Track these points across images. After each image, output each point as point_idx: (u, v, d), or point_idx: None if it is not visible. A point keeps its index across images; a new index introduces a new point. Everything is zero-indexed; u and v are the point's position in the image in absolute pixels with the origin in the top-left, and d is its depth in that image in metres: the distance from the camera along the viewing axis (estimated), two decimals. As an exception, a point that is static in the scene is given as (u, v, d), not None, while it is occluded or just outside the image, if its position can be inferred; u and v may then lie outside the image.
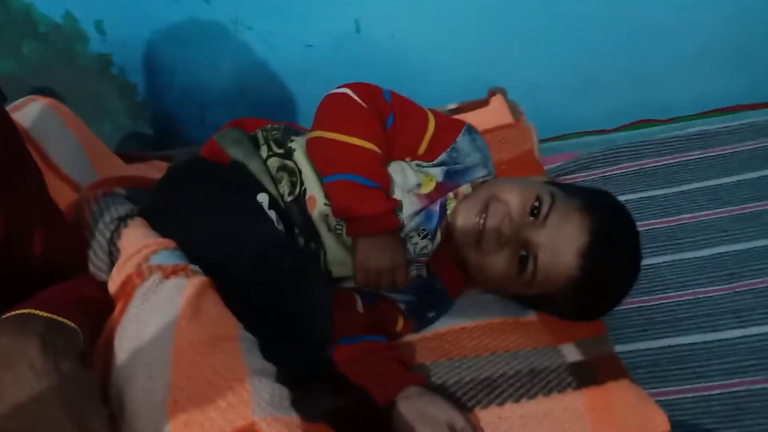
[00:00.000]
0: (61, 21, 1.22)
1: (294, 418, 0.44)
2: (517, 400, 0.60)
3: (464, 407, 0.61)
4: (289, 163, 0.72)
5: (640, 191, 1.03)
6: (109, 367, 0.50)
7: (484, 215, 0.69)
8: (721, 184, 1.01)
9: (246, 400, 0.44)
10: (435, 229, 0.73)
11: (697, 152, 1.07)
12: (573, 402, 0.60)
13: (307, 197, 0.70)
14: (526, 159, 0.92)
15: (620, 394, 0.61)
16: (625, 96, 1.28)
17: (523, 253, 0.67)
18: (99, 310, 0.54)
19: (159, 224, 0.64)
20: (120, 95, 1.33)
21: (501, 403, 0.60)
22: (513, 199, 0.68)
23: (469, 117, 0.98)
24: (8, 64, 1.27)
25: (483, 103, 1.05)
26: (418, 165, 0.74)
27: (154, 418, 0.44)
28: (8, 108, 0.75)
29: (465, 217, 0.71)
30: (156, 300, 0.52)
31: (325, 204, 0.70)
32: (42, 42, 1.25)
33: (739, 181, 1.01)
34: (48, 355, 0.43)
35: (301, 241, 0.70)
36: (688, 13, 1.16)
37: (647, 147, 1.10)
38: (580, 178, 1.08)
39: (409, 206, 0.72)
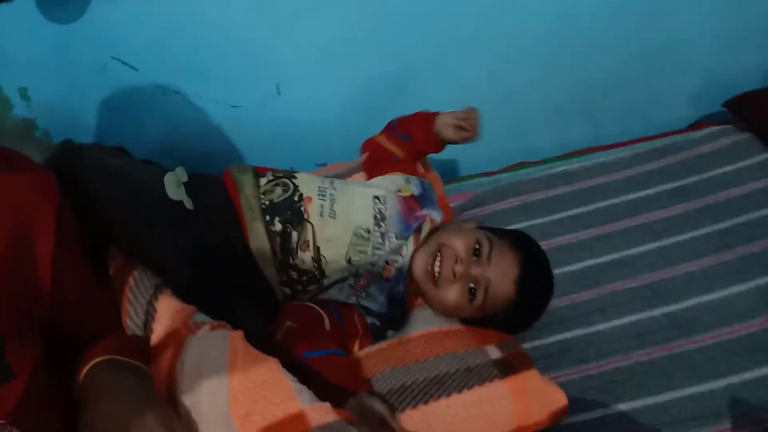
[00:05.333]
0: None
1: (326, 404, 0.59)
2: (459, 391, 0.77)
3: (409, 406, 0.75)
4: (288, 180, 0.91)
5: (524, 221, 1.25)
6: (174, 392, 0.61)
7: (439, 259, 0.87)
8: (582, 212, 1.27)
9: (293, 396, 0.58)
10: (408, 236, 0.92)
11: (563, 187, 1.34)
12: (499, 388, 0.78)
13: (304, 197, 0.90)
14: (440, 204, 1.09)
15: (531, 379, 0.81)
16: (504, 143, 1.53)
17: (472, 286, 0.86)
18: (149, 356, 0.67)
19: None
20: (42, 157, 1.34)
21: (448, 395, 0.76)
22: (459, 244, 0.87)
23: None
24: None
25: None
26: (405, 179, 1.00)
27: (219, 418, 0.57)
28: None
29: (423, 262, 0.89)
30: (209, 342, 0.66)
31: (319, 199, 0.90)
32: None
33: (596, 208, 1.28)
34: (143, 385, 0.54)
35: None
36: (545, 77, 1.43)
37: (525, 185, 1.35)
38: (476, 213, 1.30)
39: (392, 203, 0.94)
